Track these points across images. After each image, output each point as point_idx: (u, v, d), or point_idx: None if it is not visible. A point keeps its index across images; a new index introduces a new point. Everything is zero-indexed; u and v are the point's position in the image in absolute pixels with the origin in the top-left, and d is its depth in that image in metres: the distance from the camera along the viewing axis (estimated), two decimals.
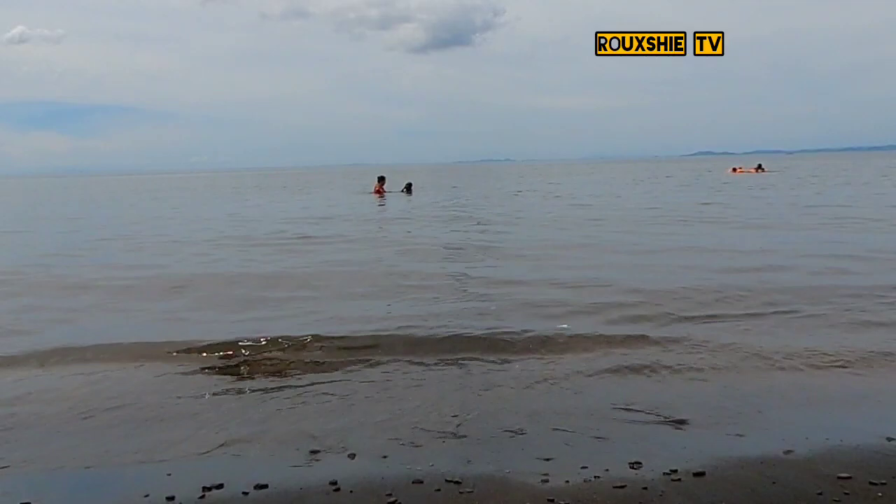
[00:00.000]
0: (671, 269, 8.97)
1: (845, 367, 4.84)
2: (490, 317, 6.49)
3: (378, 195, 26.29)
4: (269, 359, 5.32)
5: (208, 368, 5.15)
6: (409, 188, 27.12)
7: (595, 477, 3.23)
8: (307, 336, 5.80)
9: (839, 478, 3.15)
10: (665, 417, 3.95)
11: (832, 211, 16.88)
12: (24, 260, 11.72)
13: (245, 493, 3.17)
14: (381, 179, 27.25)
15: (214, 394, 4.60)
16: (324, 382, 4.76)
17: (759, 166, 45.28)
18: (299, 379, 4.88)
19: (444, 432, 3.83)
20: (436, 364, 5.12)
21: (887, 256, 9.58)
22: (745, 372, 4.80)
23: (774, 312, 6.38)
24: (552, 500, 3.01)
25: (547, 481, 3.20)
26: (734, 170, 46.15)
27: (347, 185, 44.72)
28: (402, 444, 3.68)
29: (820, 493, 3.02)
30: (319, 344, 5.65)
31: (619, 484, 3.14)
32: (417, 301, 7.34)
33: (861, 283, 7.59)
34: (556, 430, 3.84)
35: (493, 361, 5.15)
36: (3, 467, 3.54)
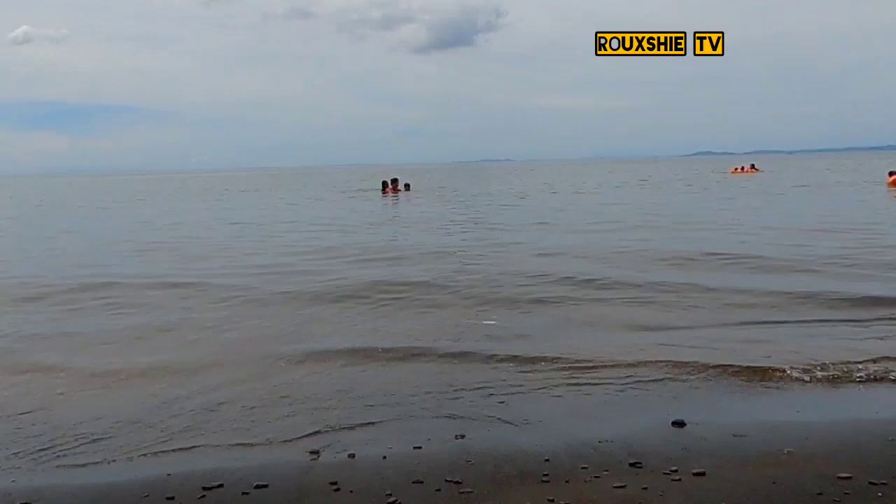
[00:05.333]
0: None
1: None
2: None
3: (392, 194, 30.15)
4: None
5: None
6: (406, 187, 31.51)
7: (595, 477, 3.23)
8: None
9: (839, 478, 3.15)
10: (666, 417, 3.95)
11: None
12: None
13: (245, 493, 3.17)
14: (395, 181, 31.42)
15: None
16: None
17: (753, 166, 47.88)
18: None
19: (444, 432, 3.84)
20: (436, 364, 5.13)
21: None
22: None
23: None
24: (552, 500, 3.01)
25: (547, 481, 3.20)
26: (735, 170, 46.83)
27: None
28: (402, 445, 3.68)
29: (820, 493, 3.02)
30: None
31: (619, 484, 3.14)
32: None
33: None
34: (556, 430, 3.84)
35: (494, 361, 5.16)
36: None
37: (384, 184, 30.84)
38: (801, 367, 4.82)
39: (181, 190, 49.81)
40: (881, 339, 5.50)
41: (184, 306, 7.56)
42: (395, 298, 7.59)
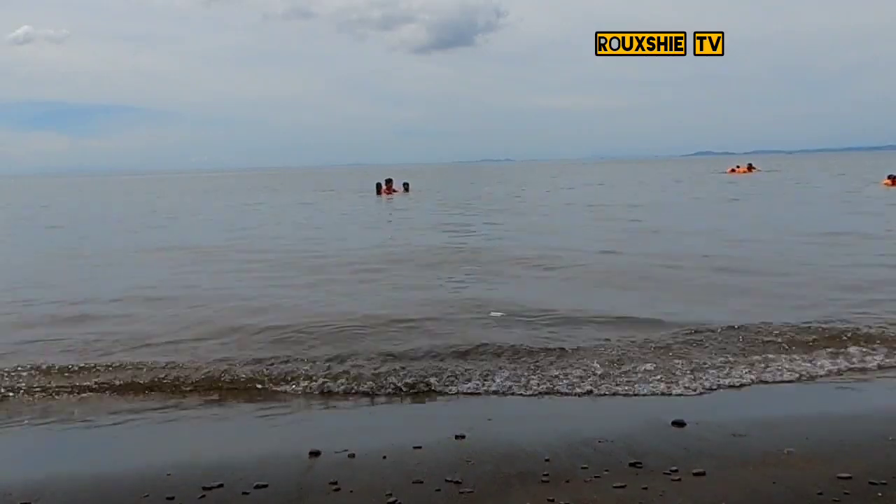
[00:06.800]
0: None
1: None
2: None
3: (387, 195, 29.95)
4: None
5: None
6: (406, 187, 31.42)
7: (595, 477, 3.23)
8: None
9: (839, 478, 3.15)
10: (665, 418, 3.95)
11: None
12: None
13: (245, 493, 3.16)
14: (390, 182, 31.02)
15: None
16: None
17: (750, 165, 47.68)
18: None
19: (444, 432, 3.84)
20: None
21: None
22: None
23: None
24: (552, 500, 3.01)
25: (547, 481, 3.20)
26: (732, 170, 47.03)
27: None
28: (402, 444, 3.68)
29: (820, 493, 3.02)
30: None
31: (619, 484, 3.14)
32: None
33: None
34: (557, 430, 3.84)
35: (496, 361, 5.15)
36: None
37: (378, 185, 30.76)
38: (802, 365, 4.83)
39: (205, 189, 48.52)
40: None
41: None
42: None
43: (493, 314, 6.42)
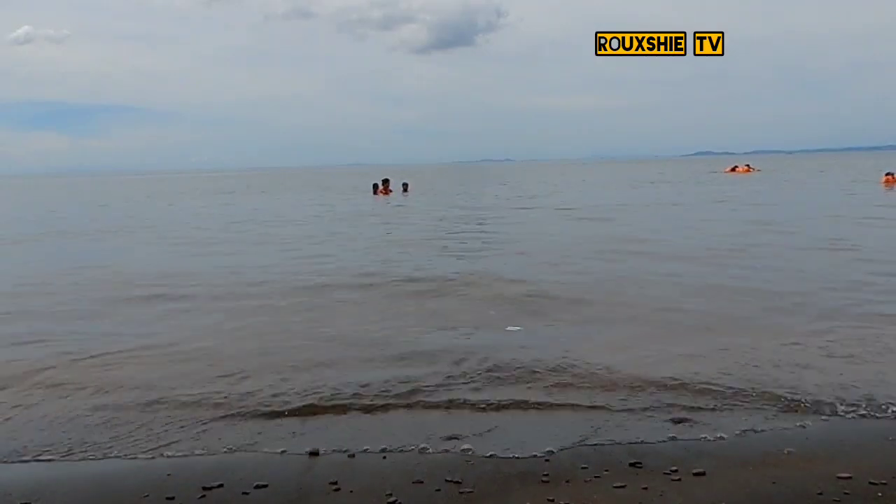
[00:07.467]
0: None
1: None
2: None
3: (384, 195, 30.06)
4: None
5: None
6: (405, 187, 31.45)
7: (595, 477, 3.23)
8: None
9: (839, 478, 3.15)
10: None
11: None
12: None
13: (245, 493, 3.16)
14: (386, 182, 31.24)
15: None
16: None
17: (748, 165, 49.05)
18: None
19: (444, 433, 3.83)
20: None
21: None
22: None
23: None
24: (552, 500, 3.01)
25: (547, 481, 3.20)
26: (733, 169, 47.37)
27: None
28: (402, 445, 3.68)
29: (820, 493, 3.02)
30: None
31: (619, 484, 3.14)
32: None
33: None
34: (555, 430, 3.84)
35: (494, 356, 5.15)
36: None
37: (375, 186, 31.05)
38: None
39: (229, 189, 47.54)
40: None
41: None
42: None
43: (508, 328, 6.30)
